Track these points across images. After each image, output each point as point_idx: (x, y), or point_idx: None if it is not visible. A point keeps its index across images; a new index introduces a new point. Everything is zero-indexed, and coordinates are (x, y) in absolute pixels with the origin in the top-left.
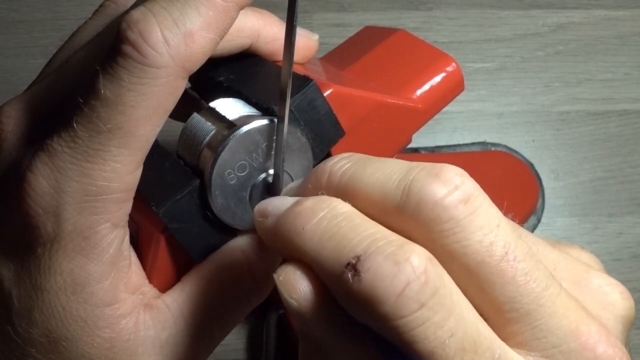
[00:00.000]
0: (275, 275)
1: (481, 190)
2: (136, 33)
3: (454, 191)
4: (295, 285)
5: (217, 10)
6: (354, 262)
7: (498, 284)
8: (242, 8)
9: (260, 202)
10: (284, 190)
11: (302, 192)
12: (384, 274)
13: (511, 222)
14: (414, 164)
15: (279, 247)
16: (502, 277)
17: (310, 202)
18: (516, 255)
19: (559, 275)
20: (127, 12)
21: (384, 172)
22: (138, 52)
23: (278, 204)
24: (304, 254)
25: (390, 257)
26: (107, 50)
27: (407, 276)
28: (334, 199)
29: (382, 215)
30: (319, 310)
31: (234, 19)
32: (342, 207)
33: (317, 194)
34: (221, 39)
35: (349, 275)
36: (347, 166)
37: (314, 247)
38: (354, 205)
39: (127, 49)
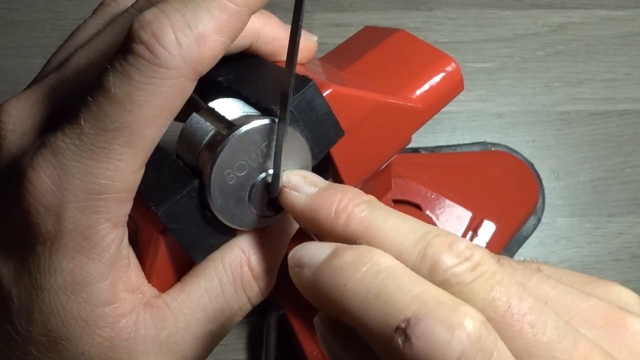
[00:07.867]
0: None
1: (490, 259)
2: (149, 33)
3: (464, 262)
4: None
5: (230, 14)
6: (404, 326)
7: (507, 337)
8: (253, 12)
9: (294, 250)
10: (289, 182)
11: (316, 213)
12: (437, 342)
13: (521, 276)
14: (430, 228)
15: (319, 302)
16: (510, 331)
17: (350, 255)
18: (520, 308)
19: (593, 323)
20: (132, 10)
21: (402, 230)
22: (150, 52)
23: (314, 253)
24: (347, 313)
25: (443, 321)
26: (118, 49)
27: (462, 344)
28: (375, 250)
29: None
30: None
31: (245, 23)
32: (385, 261)
33: (333, 227)
34: (232, 42)
35: (400, 341)
36: (365, 212)
37: (358, 306)
38: None
39: (139, 48)
